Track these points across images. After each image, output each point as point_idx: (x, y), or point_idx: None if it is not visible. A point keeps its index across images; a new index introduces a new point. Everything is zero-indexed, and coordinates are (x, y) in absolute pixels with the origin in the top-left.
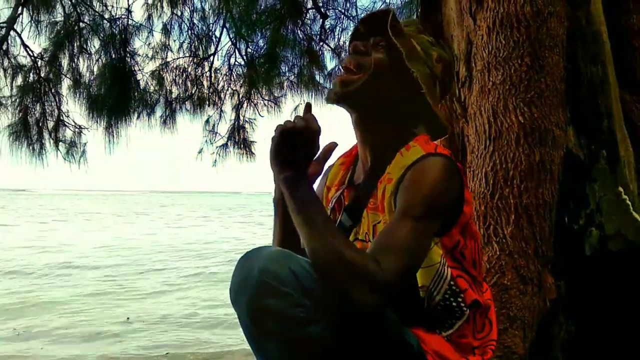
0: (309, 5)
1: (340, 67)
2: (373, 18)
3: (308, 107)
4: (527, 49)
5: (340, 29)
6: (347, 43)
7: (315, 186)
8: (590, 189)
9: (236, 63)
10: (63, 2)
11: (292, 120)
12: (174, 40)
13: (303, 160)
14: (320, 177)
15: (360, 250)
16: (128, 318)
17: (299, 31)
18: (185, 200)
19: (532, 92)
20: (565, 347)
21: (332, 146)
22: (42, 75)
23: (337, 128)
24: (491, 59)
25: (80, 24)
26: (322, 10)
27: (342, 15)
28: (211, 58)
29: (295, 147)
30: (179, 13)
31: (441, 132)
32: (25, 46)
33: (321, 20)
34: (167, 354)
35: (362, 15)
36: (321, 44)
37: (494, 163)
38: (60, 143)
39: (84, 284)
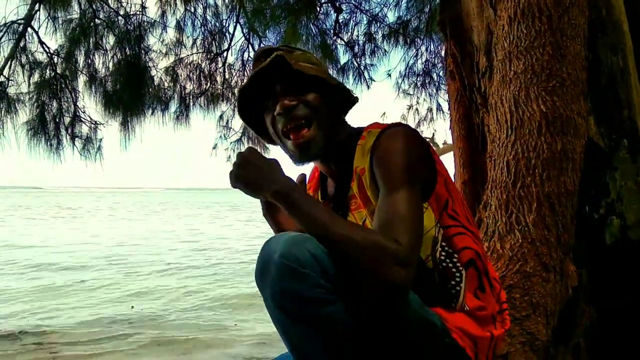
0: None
1: (279, 130)
2: (263, 71)
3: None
4: (549, 38)
5: (354, 23)
6: (240, 109)
7: None
8: (611, 177)
9: (249, 58)
10: None
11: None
12: (188, 37)
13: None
14: None
15: (373, 231)
16: (132, 307)
17: (312, 26)
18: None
19: (554, 81)
20: (587, 334)
21: (302, 179)
22: (59, 71)
23: None
24: (512, 48)
25: (96, 20)
26: (337, 4)
27: (357, 9)
28: (225, 54)
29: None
30: (192, 9)
31: (353, 102)
32: (42, 43)
33: (335, 14)
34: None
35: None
36: (335, 38)
37: (515, 152)
38: (77, 139)
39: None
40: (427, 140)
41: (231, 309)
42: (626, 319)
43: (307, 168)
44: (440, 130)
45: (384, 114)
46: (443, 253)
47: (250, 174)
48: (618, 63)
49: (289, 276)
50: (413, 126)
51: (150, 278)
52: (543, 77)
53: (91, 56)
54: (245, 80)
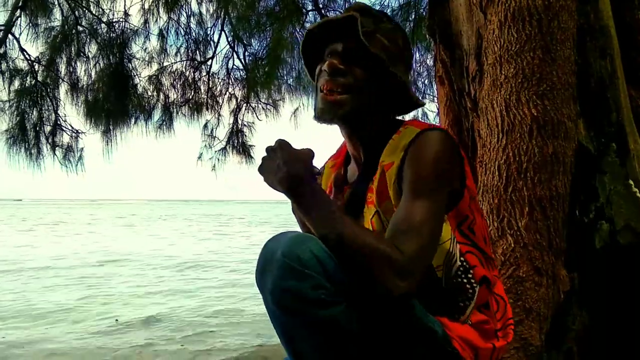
0: (309, 7)
1: (319, 85)
2: (340, 22)
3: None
4: (539, 42)
5: None
6: (304, 45)
7: None
8: (600, 181)
9: (234, 67)
10: (61, 5)
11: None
12: (171, 45)
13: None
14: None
15: (380, 237)
16: (117, 320)
17: (298, 33)
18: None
19: (545, 84)
20: (580, 339)
21: (310, 154)
22: (40, 79)
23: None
24: (503, 52)
25: (78, 27)
26: (323, 11)
27: None
28: (209, 62)
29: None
30: (176, 17)
31: (417, 105)
32: (23, 50)
33: None
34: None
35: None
36: None
37: (507, 156)
38: (57, 148)
39: None
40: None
41: None
42: (617, 323)
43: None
44: None
45: None
46: (461, 268)
47: (270, 165)
48: (606, 67)
49: (290, 275)
50: None
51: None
52: (534, 80)
53: (73, 64)
54: (315, 23)
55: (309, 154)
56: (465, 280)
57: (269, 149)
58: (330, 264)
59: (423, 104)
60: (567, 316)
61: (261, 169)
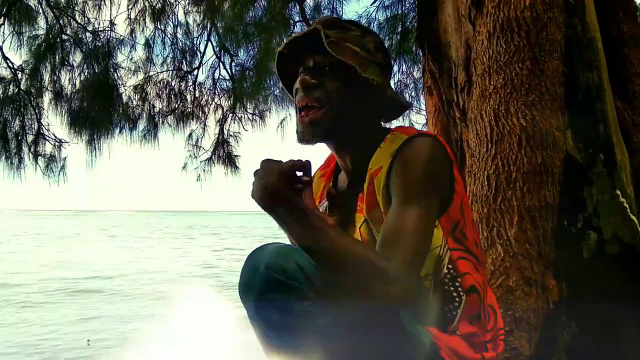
0: (297, 18)
1: (296, 106)
2: (304, 38)
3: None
4: (528, 53)
5: None
6: (277, 67)
7: None
8: (588, 192)
9: (220, 77)
10: (45, 14)
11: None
12: (157, 55)
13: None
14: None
15: (367, 246)
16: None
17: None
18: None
19: (533, 95)
20: (569, 349)
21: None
22: (23, 87)
23: None
24: (492, 63)
25: (63, 36)
26: (310, 22)
27: None
28: (195, 72)
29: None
30: (162, 27)
31: (404, 108)
32: (6, 58)
33: None
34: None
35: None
36: None
37: (496, 166)
38: (40, 157)
39: None
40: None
41: None
42: (605, 334)
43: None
44: None
45: None
46: (448, 275)
47: (254, 185)
48: (593, 79)
49: (274, 288)
50: None
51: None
52: (522, 91)
53: (57, 72)
54: (283, 43)
55: (290, 165)
56: (452, 289)
57: (258, 170)
58: (315, 275)
59: (409, 105)
60: (556, 326)
61: (251, 192)
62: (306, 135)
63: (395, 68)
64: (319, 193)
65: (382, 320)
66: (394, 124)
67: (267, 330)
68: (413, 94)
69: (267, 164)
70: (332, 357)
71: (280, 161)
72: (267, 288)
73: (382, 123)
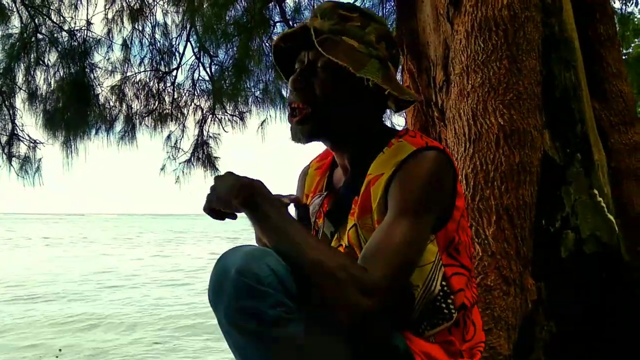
0: (277, 18)
1: (287, 107)
2: (293, 35)
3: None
4: (505, 52)
5: None
6: (274, 59)
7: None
8: (566, 191)
9: (200, 77)
10: (20, 12)
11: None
12: (135, 55)
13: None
14: (297, 183)
15: (344, 254)
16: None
17: (265, 44)
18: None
19: (511, 94)
20: (547, 348)
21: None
22: None
23: None
24: (470, 62)
25: (38, 35)
26: (291, 22)
27: None
28: (174, 72)
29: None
30: (141, 27)
31: (410, 101)
32: None
33: None
34: None
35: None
36: None
37: (474, 165)
38: (14, 158)
39: None
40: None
41: None
42: (583, 333)
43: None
44: None
45: None
46: (441, 292)
47: (222, 187)
48: (570, 78)
49: (246, 294)
50: None
51: None
52: (500, 90)
53: (32, 72)
54: (277, 36)
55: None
56: (444, 305)
57: (219, 177)
58: (288, 280)
59: (416, 99)
60: (534, 325)
61: (211, 196)
62: (296, 136)
63: None
64: (313, 187)
65: (356, 326)
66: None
67: (239, 338)
68: None
69: (240, 177)
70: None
71: None
72: (238, 295)
73: (392, 111)
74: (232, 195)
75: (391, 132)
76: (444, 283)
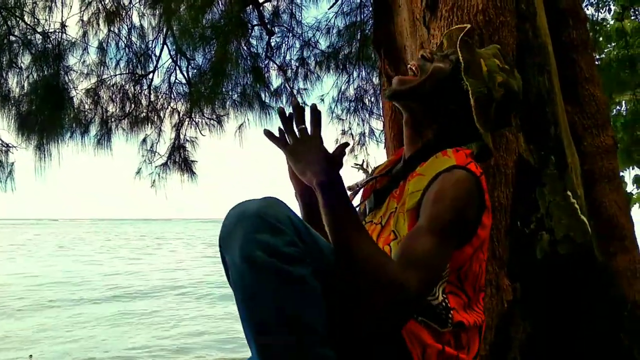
0: (255, 22)
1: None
2: (453, 33)
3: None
4: None
5: (287, 47)
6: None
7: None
8: (540, 193)
9: (177, 81)
10: None
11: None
12: (111, 58)
13: (334, 161)
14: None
15: (392, 260)
16: (31, 356)
17: (243, 48)
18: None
19: None
20: (523, 348)
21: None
22: None
23: None
24: None
25: (10, 37)
26: (269, 27)
27: (289, 33)
28: (150, 75)
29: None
30: (117, 30)
31: (485, 156)
32: None
33: (267, 37)
34: None
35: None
36: (267, 61)
37: None
38: None
39: None
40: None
41: None
42: (558, 332)
43: None
44: (374, 155)
45: None
46: (443, 304)
47: (304, 155)
48: (544, 83)
49: (264, 228)
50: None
51: None
52: None
53: (4, 74)
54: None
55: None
56: (444, 316)
57: (307, 137)
58: (303, 230)
59: (489, 156)
60: (510, 326)
61: (293, 152)
62: (387, 91)
63: (355, 74)
64: (378, 171)
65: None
66: None
67: (249, 274)
68: (373, 99)
69: (322, 148)
70: (305, 309)
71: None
72: (257, 229)
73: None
74: (311, 176)
75: (452, 144)
76: (444, 296)
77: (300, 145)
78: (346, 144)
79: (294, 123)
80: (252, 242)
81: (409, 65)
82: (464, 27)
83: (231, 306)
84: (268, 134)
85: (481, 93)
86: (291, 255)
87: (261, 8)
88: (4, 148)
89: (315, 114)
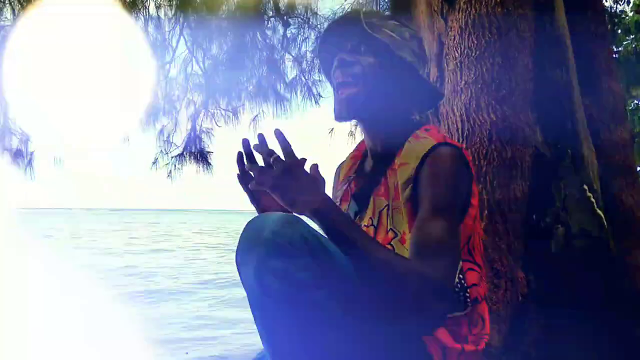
0: (270, 13)
1: (334, 82)
2: (341, 24)
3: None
4: (498, 48)
5: (302, 38)
6: (318, 51)
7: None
8: (556, 187)
9: (193, 72)
10: None
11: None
12: None
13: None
14: (334, 175)
15: (410, 260)
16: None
17: (258, 39)
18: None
19: (504, 90)
20: (537, 341)
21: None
22: None
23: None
24: (463, 58)
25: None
26: (285, 18)
27: (305, 24)
28: (166, 67)
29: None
30: (133, 21)
31: (437, 98)
32: None
33: (283, 28)
34: None
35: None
36: (283, 52)
37: None
38: (6, 152)
39: None
40: None
41: None
42: (572, 326)
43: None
44: None
45: (332, 129)
46: (459, 285)
47: (289, 187)
48: (562, 76)
49: (278, 253)
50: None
51: None
52: (493, 86)
53: None
54: (326, 28)
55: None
56: (461, 297)
57: (277, 164)
58: (319, 248)
59: (442, 95)
60: (524, 318)
61: (277, 188)
62: (342, 112)
63: None
64: (345, 173)
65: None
66: None
67: (264, 297)
68: None
69: (305, 172)
70: (322, 330)
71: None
72: (271, 253)
73: (417, 116)
74: (301, 205)
75: (416, 124)
76: (460, 276)
77: (280, 179)
78: (316, 165)
79: (262, 157)
80: (267, 268)
81: (337, 80)
82: (355, 12)
83: None
84: (246, 189)
85: (413, 56)
86: (304, 280)
87: None
88: (23, 138)
89: (282, 137)
